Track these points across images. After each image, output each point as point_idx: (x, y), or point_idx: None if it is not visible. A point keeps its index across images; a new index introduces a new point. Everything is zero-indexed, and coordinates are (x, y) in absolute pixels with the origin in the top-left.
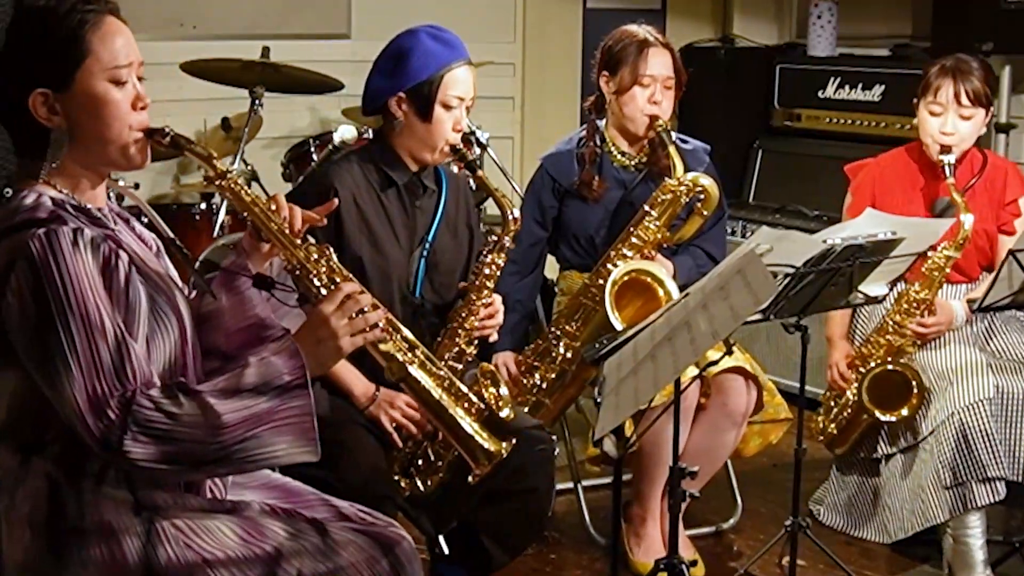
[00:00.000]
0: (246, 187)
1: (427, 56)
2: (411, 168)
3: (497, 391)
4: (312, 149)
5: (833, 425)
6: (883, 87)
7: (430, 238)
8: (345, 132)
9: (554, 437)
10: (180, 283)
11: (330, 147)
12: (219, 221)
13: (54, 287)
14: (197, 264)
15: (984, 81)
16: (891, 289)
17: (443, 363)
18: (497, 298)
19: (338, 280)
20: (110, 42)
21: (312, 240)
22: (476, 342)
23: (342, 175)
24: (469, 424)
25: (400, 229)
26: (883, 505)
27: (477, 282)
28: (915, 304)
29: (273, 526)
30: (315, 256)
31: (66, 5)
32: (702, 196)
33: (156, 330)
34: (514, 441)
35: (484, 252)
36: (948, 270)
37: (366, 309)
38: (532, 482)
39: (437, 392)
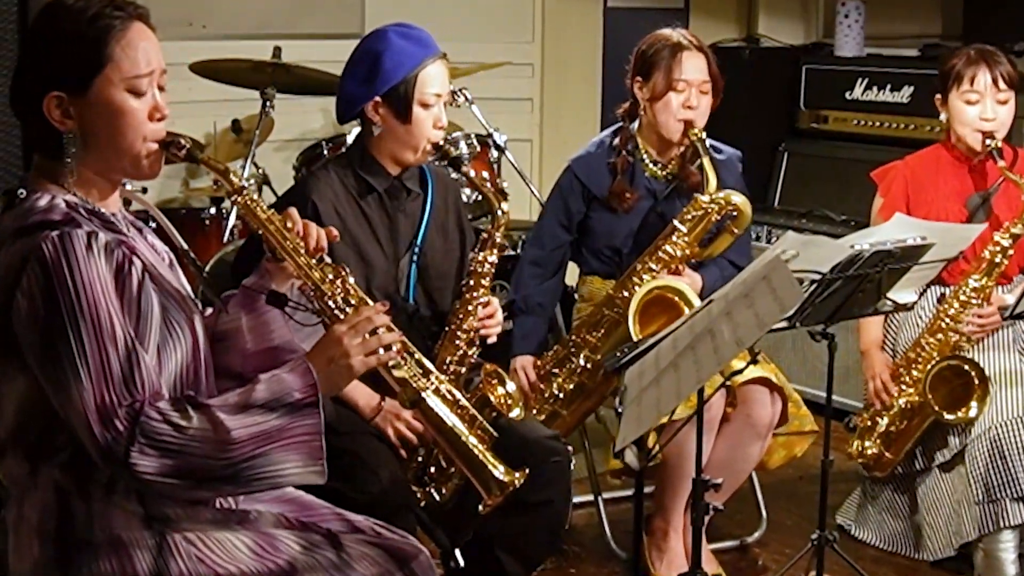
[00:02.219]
0: (262, 203)
1: (400, 56)
2: (391, 172)
3: (505, 390)
4: (325, 152)
5: (875, 444)
6: (912, 88)
7: (419, 242)
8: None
9: (570, 448)
10: (192, 296)
11: (343, 150)
12: (229, 226)
13: (66, 291)
14: (208, 267)
15: (1012, 64)
16: (920, 296)
17: (448, 372)
18: (495, 299)
19: (352, 301)
20: (133, 50)
21: (328, 259)
22: (477, 343)
23: (320, 186)
24: (482, 453)
25: (383, 235)
26: (923, 522)
27: (471, 282)
28: (973, 294)
29: (287, 540)
30: (331, 276)
31: (94, 8)
32: (734, 214)
33: (167, 341)
34: (527, 471)
35: (476, 250)
36: (1012, 252)
37: (380, 330)
38: (548, 494)
39: (451, 420)
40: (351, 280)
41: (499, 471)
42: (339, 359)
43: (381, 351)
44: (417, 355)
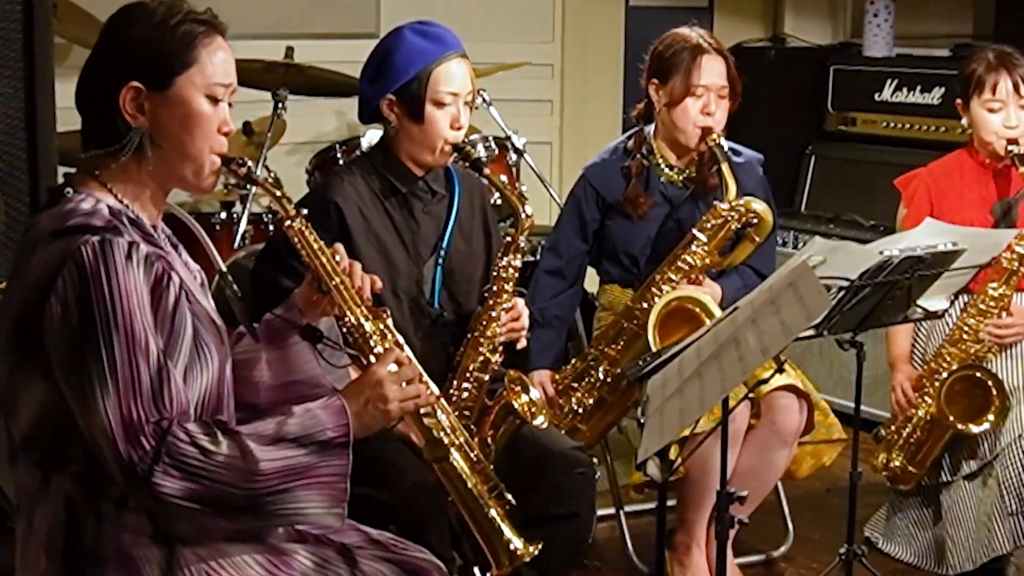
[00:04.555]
0: (316, 233)
1: (412, 53)
2: (415, 173)
3: (529, 398)
4: (339, 155)
5: (899, 457)
6: (943, 89)
7: (444, 245)
8: (373, 137)
9: (595, 460)
10: (220, 321)
11: (357, 153)
12: (240, 231)
13: (102, 298)
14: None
15: None
16: (952, 303)
17: (471, 379)
18: (519, 301)
19: (389, 345)
20: (217, 58)
21: (370, 299)
22: (501, 350)
23: (343, 188)
24: (499, 520)
25: (408, 237)
26: (947, 535)
27: (495, 287)
28: (992, 303)
29: (299, 555)
30: (372, 317)
31: (181, 12)
32: (755, 221)
33: (195, 362)
34: (540, 545)
35: (499, 254)
36: None
37: (416, 380)
38: (572, 507)
39: (472, 481)
40: (390, 322)
41: (515, 543)
42: (376, 402)
43: (418, 401)
44: (447, 409)
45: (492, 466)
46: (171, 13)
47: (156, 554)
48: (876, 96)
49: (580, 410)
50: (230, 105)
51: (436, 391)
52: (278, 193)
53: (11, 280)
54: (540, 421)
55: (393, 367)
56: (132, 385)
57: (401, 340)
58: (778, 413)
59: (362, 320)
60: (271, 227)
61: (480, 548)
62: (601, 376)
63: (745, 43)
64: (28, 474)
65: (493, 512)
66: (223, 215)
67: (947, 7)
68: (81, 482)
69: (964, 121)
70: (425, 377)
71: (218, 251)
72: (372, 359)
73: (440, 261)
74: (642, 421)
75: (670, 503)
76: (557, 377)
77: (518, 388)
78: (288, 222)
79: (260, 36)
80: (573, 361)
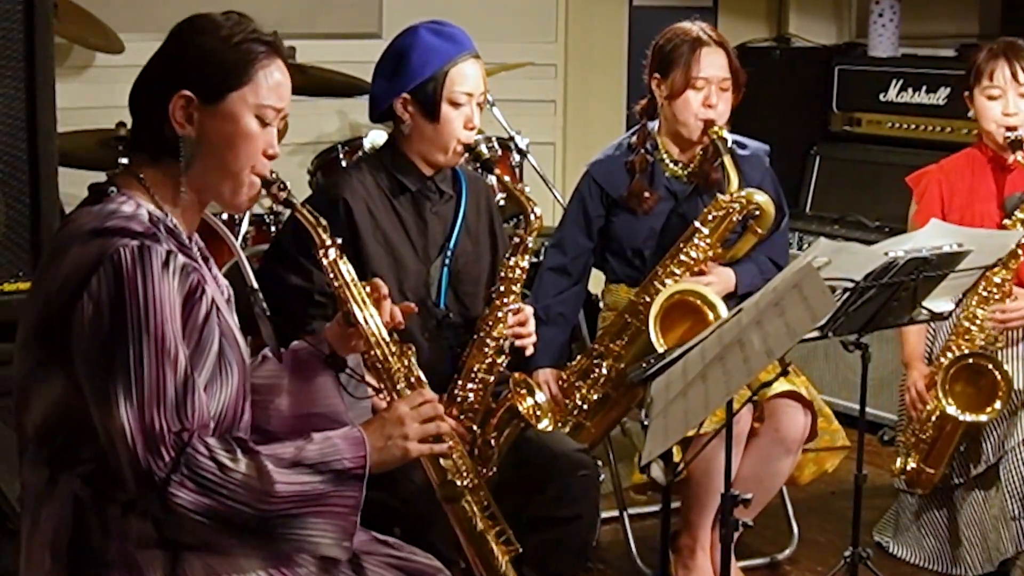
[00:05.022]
0: (350, 264)
1: (428, 53)
2: (424, 173)
3: (534, 401)
4: (341, 156)
5: (915, 459)
6: (949, 90)
7: (451, 245)
8: (376, 137)
9: (598, 462)
10: (243, 341)
11: (360, 154)
12: (242, 232)
13: (135, 303)
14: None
15: None
16: (957, 305)
17: (476, 380)
18: (527, 308)
19: (413, 382)
20: (272, 80)
21: (396, 337)
22: (507, 352)
23: (352, 185)
24: (504, 566)
25: (416, 237)
26: (962, 537)
27: (502, 287)
28: (993, 289)
29: (305, 561)
30: (398, 353)
31: (247, 30)
32: (757, 213)
33: (216, 377)
34: None
35: (507, 255)
36: None
37: (437, 420)
38: (576, 509)
39: (481, 525)
40: (414, 360)
41: None
42: (397, 438)
43: (438, 442)
44: (463, 452)
45: (496, 469)
46: (237, 29)
47: (160, 560)
48: (881, 96)
49: (585, 406)
50: (282, 130)
51: (452, 430)
52: (314, 220)
53: (41, 273)
54: (544, 425)
55: (418, 403)
56: (157, 393)
57: (424, 378)
58: (782, 421)
59: (388, 355)
60: (272, 228)
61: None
62: (605, 372)
63: (749, 43)
64: (35, 472)
65: (499, 558)
66: (224, 216)
67: (953, 7)
68: (90, 483)
69: (970, 114)
70: (447, 419)
71: (220, 253)
72: (395, 396)
73: (447, 262)
74: (646, 423)
75: (674, 505)
76: (563, 375)
77: (523, 391)
78: (323, 251)
79: None
80: (578, 357)
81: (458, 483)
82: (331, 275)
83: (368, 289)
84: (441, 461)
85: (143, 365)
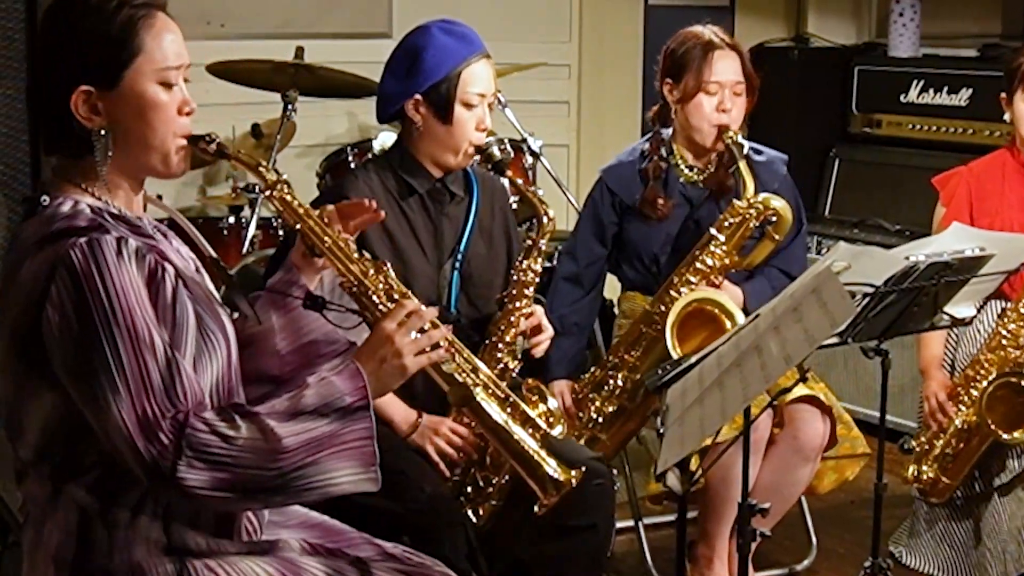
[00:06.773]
0: (298, 197)
1: (442, 53)
2: (434, 174)
3: (547, 407)
4: (350, 158)
5: (933, 468)
6: (971, 91)
7: (462, 248)
8: (386, 139)
9: (614, 471)
10: (222, 303)
11: (369, 155)
12: (249, 236)
13: (98, 299)
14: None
15: None
16: (979, 310)
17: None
18: (539, 308)
19: (396, 296)
20: (162, 41)
21: (367, 254)
22: (519, 356)
23: (358, 187)
24: (536, 451)
25: (425, 239)
26: (984, 548)
27: (514, 291)
28: None
29: (312, 567)
30: (372, 271)
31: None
32: (774, 219)
33: (203, 350)
34: (583, 469)
35: (519, 258)
36: None
37: (427, 327)
38: (591, 518)
39: (502, 417)
40: (392, 274)
41: (553, 469)
42: (391, 359)
43: (432, 349)
44: (465, 352)
45: (507, 477)
46: (107, 2)
47: (167, 568)
48: (902, 97)
49: (599, 419)
50: (186, 80)
51: (449, 335)
52: (252, 163)
53: (2, 296)
54: (558, 431)
55: (402, 317)
56: (142, 382)
57: (405, 289)
58: (801, 428)
59: (362, 276)
60: (280, 231)
61: (494, 557)
62: (620, 383)
63: (767, 43)
64: (39, 486)
65: (528, 443)
66: (231, 219)
67: (975, 6)
68: (95, 491)
69: (1006, 117)
70: (436, 322)
71: (226, 255)
72: (379, 315)
73: (458, 265)
74: (662, 431)
75: (691, 515)
76: (577, 387)
77: (536, 397)
78: (268, 191)
79: (269, 36)
80: (592, 369)
81: (468, 381)
82: (284, 211)
83: (327, 219)
84: (444, 368)
85: (122, 358)
